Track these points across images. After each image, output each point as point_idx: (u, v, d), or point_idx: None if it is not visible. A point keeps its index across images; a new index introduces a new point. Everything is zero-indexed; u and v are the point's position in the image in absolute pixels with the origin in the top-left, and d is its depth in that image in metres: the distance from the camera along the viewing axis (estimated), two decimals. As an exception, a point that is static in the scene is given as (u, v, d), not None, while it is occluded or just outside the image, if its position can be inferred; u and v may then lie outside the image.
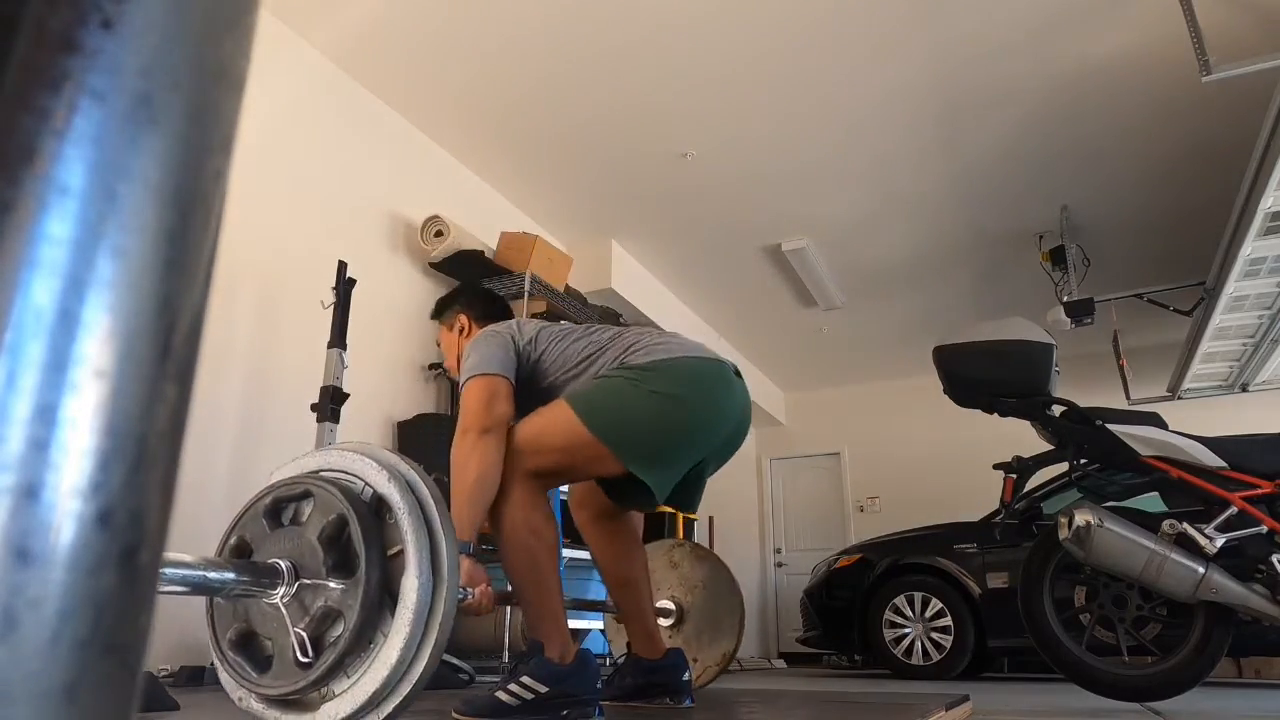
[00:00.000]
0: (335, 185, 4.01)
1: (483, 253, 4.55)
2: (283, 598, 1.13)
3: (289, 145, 3.77)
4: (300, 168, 3.82)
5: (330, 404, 3.09)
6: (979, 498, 5.07)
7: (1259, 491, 2.31)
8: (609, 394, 1.77)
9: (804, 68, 4.10)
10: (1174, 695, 2.35)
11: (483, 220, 4.87)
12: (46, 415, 0.18)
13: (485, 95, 4.34)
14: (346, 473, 1.22)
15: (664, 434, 1.76)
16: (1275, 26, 3.58)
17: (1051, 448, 2.57)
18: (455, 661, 2.82)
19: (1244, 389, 5.86)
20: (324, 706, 1.13)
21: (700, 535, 7.17)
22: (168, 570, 0.99)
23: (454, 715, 1.67)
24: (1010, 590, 4.37)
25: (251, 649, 1.18)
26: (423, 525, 1.16)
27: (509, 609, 3.47)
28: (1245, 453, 2.37)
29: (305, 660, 1.11)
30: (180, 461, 0.21)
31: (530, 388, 1.90)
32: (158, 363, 0.20)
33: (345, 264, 3.39)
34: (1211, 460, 2.36)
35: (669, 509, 3.24)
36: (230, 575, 1.08)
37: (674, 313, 6.60)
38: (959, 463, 7.31)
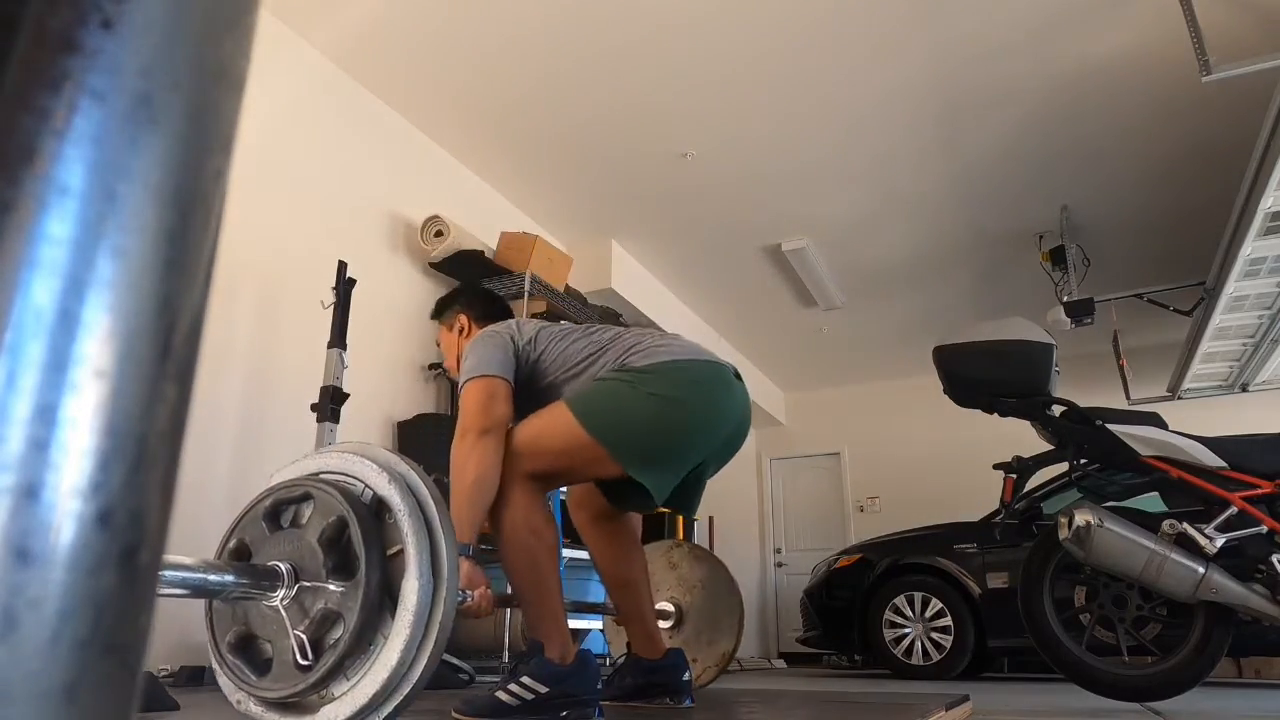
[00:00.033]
0: (335, 185, 4.02)
1: (483, 253, 4.55)
2: (282, 600, 1.13)
3: (289, 145, 3.77)
4: (300, 168, 3.82)
5: (330, 404, 3.09)
6: (979, 498, 5.07)
7: (1259, 491, 2.31)
8: (607, 396, 1.77)
9: (804, 68, 4.10)
10: (1174, 695, 2.35)
11: (483, 220, 4.87)
12: (46, 415, 0.18)
13: (485, 95, 4.35)
14: (346, 474, 1.22)
15: (662, 436, 1.76)
16: (1275, 26, 3.58)
17: (1051, 448, 2.57)
18: (455, 662, 2.82)
19: (1244, 389, 5.86)
20: (324, 709, 1.13)
21: (700, 535, 7.17)
22: (167, 573, 0.99)
23: (454, 715, 1.67)
24: (1010, 590, 4.37)
25: (250, 652, 1.18)
26: (422, 526, 1.16)
27: (509, 609, 3.46)
28: (1245, 453, 2.37)
29: (305, 662, 1.11)
30: (180, 461, 0.21)
31: (530, 388, 1.90)
32: (158, 363, 0.20)
33: (345, 264, 3.39)
34: (1211, 460, 2.36)
35: (668, 510, 3.24)
36: (230, 577, 1.08)
37: (674, 313, 6.60)
38: (959, 463, 7.31)
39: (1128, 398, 5.72)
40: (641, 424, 1.74)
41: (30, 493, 0.18)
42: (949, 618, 4.74)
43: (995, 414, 2.62)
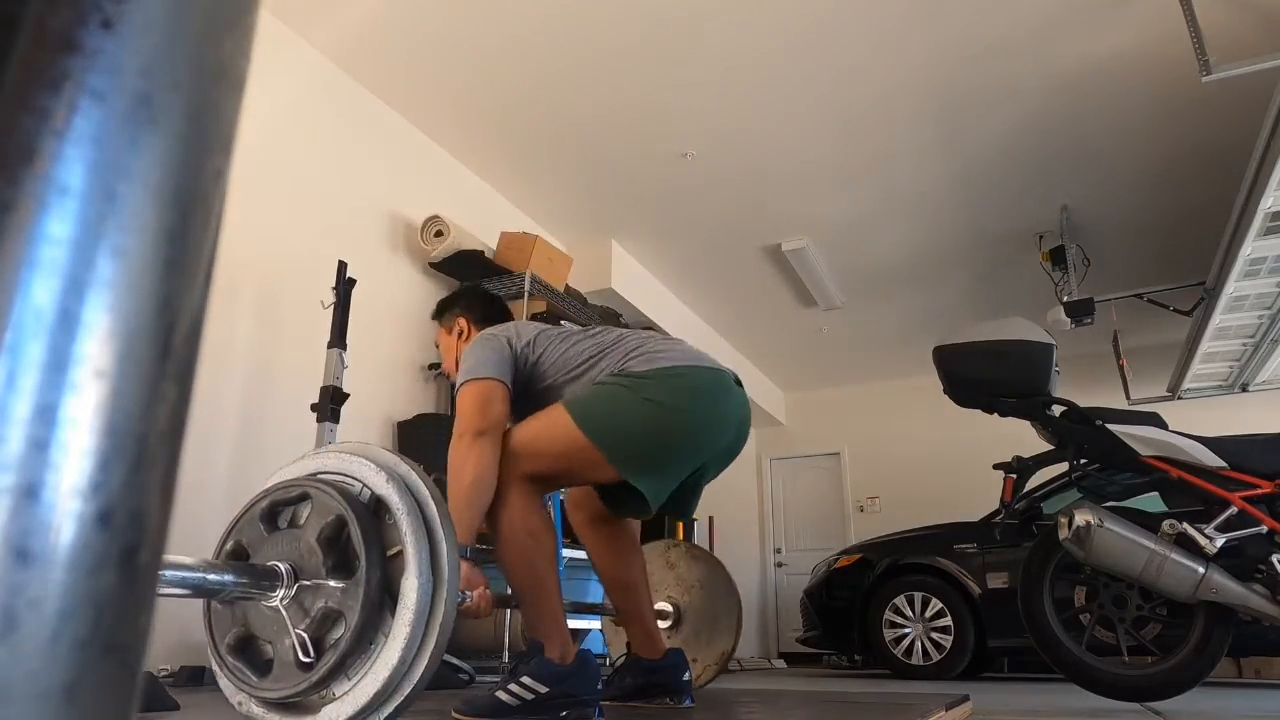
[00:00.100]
0: (335, 185, 4.02)
1: (483, 253, 4.54)
2: (282, 600, 1.13)
3: (289, 145, 3.77)
4: (300, 168, 3.82)
5: (330, 404, 3.09)
6: (979, 498, 5.07)
7: (1259, 491, 2.31)
8: (606, 400, 1.77)
9: (804, 67, 4.10)
10: (1174, 695, 2.35)
11: (483, 220, 4.87)
12: (46, 415, 0.18)
13: (485, 95, 4.35)
14: (344, 474, 1.22)
15: (660, 442, 1.76)
16: (1275, 26, 3.58)
17: (1051, 448, 2.57)
18: (455, 661, 2.82)
19: (1244, 389, 5.86)
20: (325, 709, 1.13)
21: (700, 535, 7.17)
22: (167, 572, 0.99)
23: (454, 715, 1.66)
24: (1010, 590, 4.37)
25: (250, 653, 1.18)
26: (422, 526, 1.15)
27: (509, 610, 3.46)
28: (1245, 453, 2.38)
29: (306, 661, 1.11)
30: (180, 461, 0.21)
31: (529, 390, 1.90)
32: (158, 363, 0.20)
33: (345, 264, 3.39)
34: (1211, 460, 2.36)
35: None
36: (229, 577, 1.08)
37: (674, 313, 6.60)
38: (959, 463, 7.31)
39: (1128, 398, 5.72)
40: (639, 430, 1.74)
41: (30, 493, 0.18)
42: (949, 618, 4.74)
43: (995, 414, 2.62)
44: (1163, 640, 2.40)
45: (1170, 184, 4.98)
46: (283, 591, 1.13)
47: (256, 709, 1.17)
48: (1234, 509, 2.30)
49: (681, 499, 1.91)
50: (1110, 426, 2.44)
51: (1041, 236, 5.55)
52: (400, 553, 1.14)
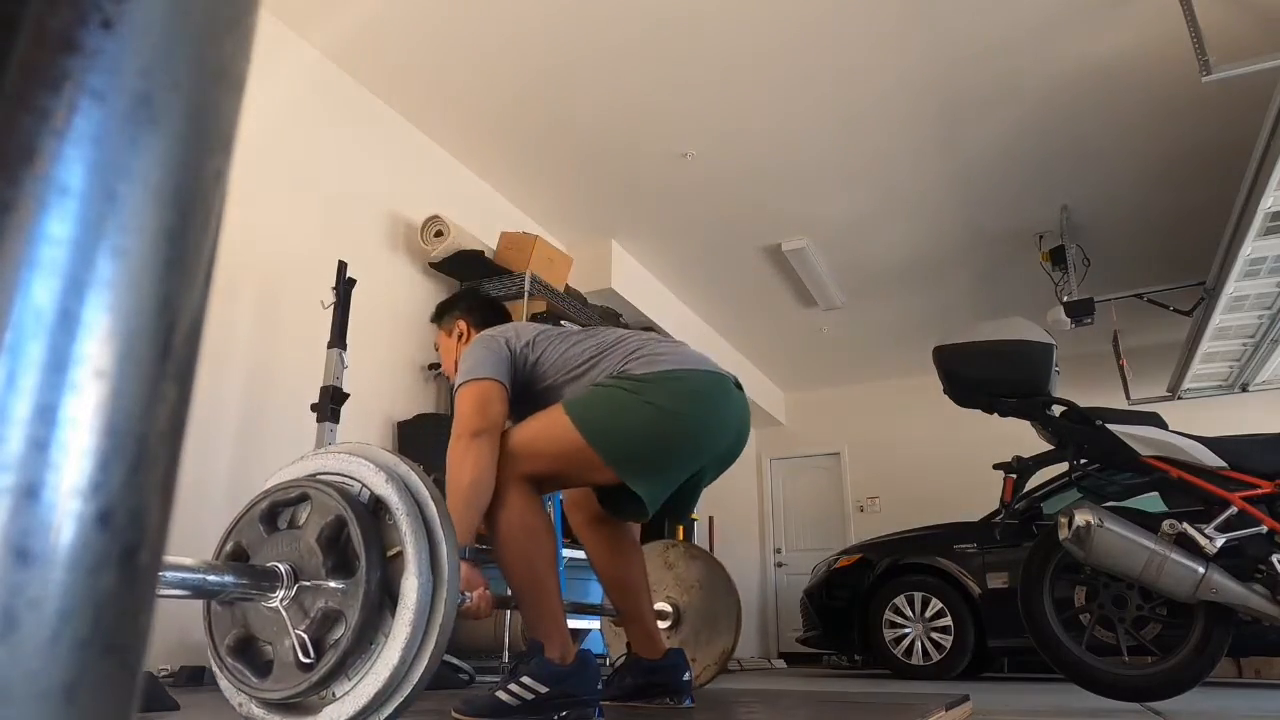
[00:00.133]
0: (335, 185, 4.02)
1: (483, 253, 4.54)
2: (282, 600, 1.13)
3: (289, 145, 3.77)
4: (300, 168, 3.82)
5: (330, 404, 3.09)
6: (979, 498, 5.07)
7: (1259, 491, 2.31)
8: (605, 402, 1.77)
9: (803, 67, 4.10)
10: (1174, 695, 2.35)
11: (483, 220, 4.87)
12: (46, 415, 0.18)
13: (485, 95, 4.34)
14: (343, 475, 1.22)
15: (658, 446, 1.76)
16: (1275, 26, 3.58)
17: (1051, 448, 2.57)
18: (455, 661, 2.82)
19: (1244, 389, 5.86)
20: (325, 709, 1.13)
21: (700, 535, 7.18)
22: (167, 573, 0.99)
23: (454, 715, 1.66)
24: (1010, 590, 4.37)
25: (250, 654, 1.18)
26: (421, 526, 1.15)
27: (509, 610, 3.46)
28: (1245, 453, 2.38)
29: (307, 661, 1.11)
30: (180, 461, 0.21)
31: (529, 391, 1.90)
32: (158, 363, 0.20)
33: (345, 264, 3.39)
34: (1211, 460, 2.36)
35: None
36: (229, 578, 1.08)
37: (674, 312, 6.60)
38: (959, 463, 7.32)
39: (1128, 398, 5.72)
40: (638, 432, 1.74)
41: (30, 493, 0.18)
42: (949, 618, 4.74)
43: (995, 414, 2.62)
44: (1163, 640, 2.40)
45: (1170, 184, 4.98)
46: (282, 592, 1.13)
47: (257, 710, 1.17)
48: (1234, 509, 2.30)
49: (679, 501, 1.91)
50: (1110, 426, 2.44)
51: (1041, 236, 5.55)
52: (400, 553, 1.14)
